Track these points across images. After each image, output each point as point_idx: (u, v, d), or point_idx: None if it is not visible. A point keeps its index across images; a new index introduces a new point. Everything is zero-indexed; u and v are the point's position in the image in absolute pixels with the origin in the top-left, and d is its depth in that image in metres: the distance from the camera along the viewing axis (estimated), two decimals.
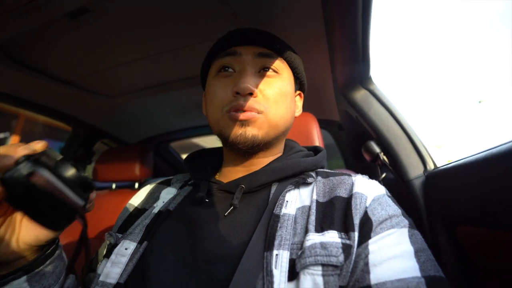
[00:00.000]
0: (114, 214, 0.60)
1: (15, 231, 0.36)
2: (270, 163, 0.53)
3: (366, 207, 0.41)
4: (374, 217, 0.39)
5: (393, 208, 0.41)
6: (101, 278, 0.42)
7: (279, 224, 0.41)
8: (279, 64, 0.53)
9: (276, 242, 0.39)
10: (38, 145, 0.36)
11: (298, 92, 0.60)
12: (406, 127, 0.79)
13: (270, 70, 0.52)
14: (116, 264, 0.43)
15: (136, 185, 1.32)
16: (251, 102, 0.47)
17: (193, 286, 0.39)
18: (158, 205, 0.53)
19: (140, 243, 0.45)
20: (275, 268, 0.36)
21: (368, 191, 0.43)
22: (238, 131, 0.48)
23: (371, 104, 0.87)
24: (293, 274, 0.36)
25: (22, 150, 0.33)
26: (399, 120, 0.81)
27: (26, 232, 0.36)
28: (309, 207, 0.43)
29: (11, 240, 0.36)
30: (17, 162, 0.30)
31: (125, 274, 0.42)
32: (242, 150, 0.50)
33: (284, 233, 0.39)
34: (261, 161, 0.53)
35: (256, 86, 0.49)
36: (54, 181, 0.32)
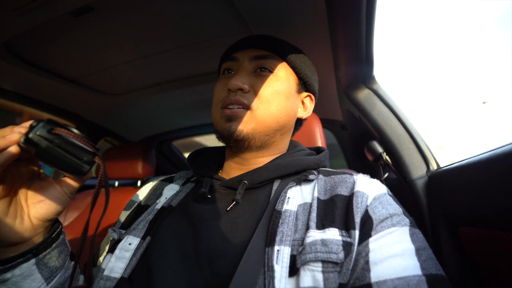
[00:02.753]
0: (117, 211, 0.61)
1: (24, 209, 0.38)
2: (273, 160, 0.54)
3: (367, 206, 0.41)
4: (375, 216, 0.39)
5: (394, 207, 0.42)
6: (105, 273, 0.43)
7: (280, 220, 0.41)
8: (276, 64, 0.55)
9: (278, 238, 0.39)
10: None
11: (306, 94, 0.61)
12: (409, 127, 0.79)
13: (266, 70, 0.54)
14: (120, 259, 0.44)
15: (139, 183, 1.33)
16: (239, 97, 0.51)
17: (196, 281, 0.39)
18: (161, 201, 0.53)
19: (143, 238, 0.46)
20: (276, 263, 0.37)
21: (369, 189, 0.43)
22: (224, 125, 0.51)
23: (374, 104, 0.86)
24: (293, 270, 0.37)
25: (26, 124, 0.36)
26: (402, 120, 0.81)
27: (35, 208, 0.38)
28: (311, 204, 0.43)
29: (23, 218, 0.37)
30: (31, 126, 0.34)
31: (129, 269, 0.43)
32: (230, 146, 0.53)
33: (286, 229, 0.40)
34: (260, 161, 0.54)
35: (248, 84, 0.52)
36: (71, 131, 0.36)
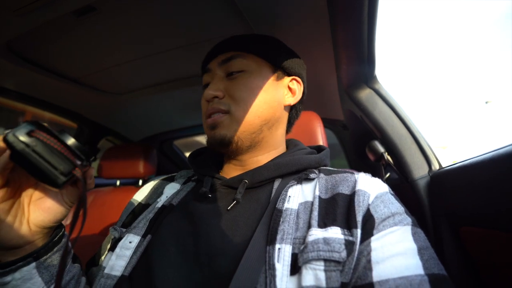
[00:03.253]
0: (118, 210, 0.61)
1: (25, 214, 0.37)
2: (274, 159, 0.54)
3: (369, 204, 0.41)
4: (377, 215, 0.39)
5: (396, 206, 0.41)
6: (106, 271, 0.44)
7: (281, 219, 0.41)
8: (243, 62, 0.55)
9: (279, 236, 0.39)
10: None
11: (289, 78, 0.58)
12: (411, 127, 0.79)
13: (235, 73, 0.54)
14: (120, 257, 0.44)
15: (140, 182, 1.34)
16: (215, 105, 0.52)
17: (196, 279, 0.40)
18: (162, 200, 0.54)
19: (144, 236, 0.47)
20: (278, 262, 0.37)
21: (371, 188, 0.43)
22: (209, 134, 0.53)
23: (376, 104, 0.86)
24: (295, 268, 0.36)
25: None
26: (404, 120, 0.81)
27: (35, 214, 0.37)
28: (312, 203, 0.43)
29: (22, 222, 0.37)
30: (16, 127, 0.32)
31: (130, 267, 0.43)
32: (221, 151, 0.55)
33: (287, 228, 0.40)
34: (256, 160, 0.55)
35: (221, 89, 0.53)
36: (52, 137, 0.33)
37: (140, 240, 0.46)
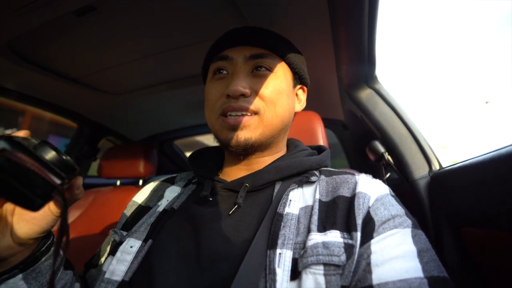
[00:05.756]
0: (119, 210, 0.61)
1: (7, 226, 0.35)
2: (274, 161, 0.53)
3: (369, 207, 0.40)
4: (377, 217, 0.39)
5: (396, 208, 0.41)
6: (106, 275, 0.43)
7: (282, 223, 0.41)
8: (272, 62, 0.52)
9: (280, 241, 0.39)
10: (19, 133, 0.33)
11: (299, 86, 0.59)
12: (412, 127, 0.79)
13: (263, 69, 0.51)
14: (121, 261, 0.44)
15: (140, 182, 1.33)
16: (243, 103, 0.48)
17: (198, 284, 0.39)
18: (163, 204, 0.53)
19: (145, 241, 0.46)
20: (278, 267, 0.36)
21: (371, 190, 0.43)
22: (229, 135, 0.48)
23: (376, 104, 0.86)
24: (295, 273, 0.36)
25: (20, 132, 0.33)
26: (404, 119, 0.81)
27: (19, 225, 0.35)
28: (312, 207, 0.43)
29: (4, 235, 0.35)
30: None
31: (130, 272, 0.43)
32: (236, 153, 0.51)
33: (288, 233, 0.40)
34: (262, 161, 0.54)
35: (249, 87, 0.49)
36: (27, 156, 0.29)
37: (141, 244, 0.46)
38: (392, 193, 0.45)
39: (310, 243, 0.37)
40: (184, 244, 0.44)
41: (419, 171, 0.72)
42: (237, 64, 0.51)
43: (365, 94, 0.89)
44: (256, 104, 0.49)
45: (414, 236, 0.38)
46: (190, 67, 0.96)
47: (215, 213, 0.47)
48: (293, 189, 0.46)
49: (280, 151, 0.56)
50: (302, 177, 0.49)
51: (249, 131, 0.48)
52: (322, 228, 0.39)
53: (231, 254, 0.40)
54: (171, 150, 1.87)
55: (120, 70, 0.97)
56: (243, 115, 0.48)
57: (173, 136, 1.75)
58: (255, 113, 0.48)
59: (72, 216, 1.20)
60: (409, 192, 0.73)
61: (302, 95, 0.60)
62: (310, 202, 0.44)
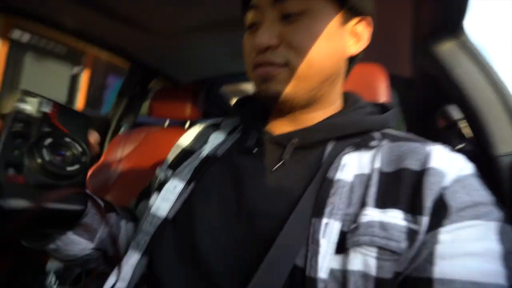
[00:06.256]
0: (166, 149, 0.62)
1: None
2: (328, 118, 0.47)
3: (445, 188, 0.33)
4: (453, 202, 0.32)
5: (481, 194, 0.33)
6: (152, 210, 0.46)
7: (332, 190, 0.36)
8: (304, 3, 0.42)
9: (327, 210, 0.35)
10: None
11: (356, 20, 0.46)
12: (505, 93, 0.64)
13: (293, 12, 0.42)
14: (165, 200, 0.46)
15: (187, 124, 1.37)
16: (269, 56, 0.42)
17: (235, 235, 0.39)
18: (206, 149, 0.52)
19: (188, 183, 0.47)
20: (323, 237, 0.33)
21: (449, 167, 0.35)
22: (260, 88, 0.45)
23: (461, 60, 0.71)
24: (341, 248, 0.33)
25: None
26: (496, 83, 0.66)
27: None
28: (370, 176, 0.37)
29: None
30: None
31: (173, 211, 0.44)
32: (272, 107, 0.48)
33: (337, 201, 0.35)
34: (311, 117, 0.47)
35: (276, 36, 0.42)
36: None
37: (184, 186, 0.47)
38: (478, 174, 0.37)
39: (364, 219, 0.33)
40: (225, 194, 0.43)
41: (506, 145, 0.60)
42: (264, 11, 0.44)
43: (447, 48, 0.73)
44: (284, 55, 0.42)
45: (501, 233, 0.30)
46: None
47: (258, 166, 0.44)
48: (348, 152, 0.40)
49: (332, 105, 0.49)
50: (360, 139, 0.42)
51: (278, 83, 0.43)
52: (381, 204, 0.34)
53: (272, 213, 0.38)
54: (218, 95, 1.86)
55: (173, 9, 0.92)
56: (271, 66, 0.43)
57: (221, 82, 1.73)
58: (285, 64, 0.42)
59: (126, 150, 1.29)
60: (486, 169, 0.62)
61: (364, 30, 0.47)
62: (367, 170, 0.38)
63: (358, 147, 0.41)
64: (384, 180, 0.36)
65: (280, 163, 0.43)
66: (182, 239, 0.43)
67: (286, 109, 0.47)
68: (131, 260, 0.44)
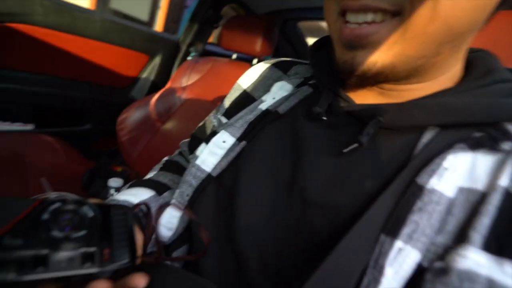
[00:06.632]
0: (229, 84, 0.56)
1: None
2: (436, 93, 0.32)
3: None
4: None
5: None
6: (197, 162, 0.41)
7: (419, 203, 0.26)
8: None
9: (406, 230, 0.25)
10: None
11: None
12: None
13: None
14: (212, 154, 0.40)
15: (255, 61, 1.27)
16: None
17: (279, 220, 0.33)
18: (267, 101, 0.43)
19: (239, 140, 0.40)
20: (390, 265, 0.24)
21: None
22: (344, 56, 0.31)
23: None
24: (413, 286, 0.24)
25: None
26: None
27: None
28: (485, 196, 0.25)
29: None
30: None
31: (219, 168, 0.39)
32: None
33: (424, 222, 0.25)
34: (411, 88, 0.32)
35: None
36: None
37: (234, 142, 0.40)
38: None
39: (461, 263, 0.22)
40: (278, 164, 0.36)
41: None
42: None
43: None
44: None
45: None
46: None
47: (326, 141, 0.34)
48: (456, 151, 0.27)
49: (447, 73, 0.32)
50: (482, 133, 0.28)
51: (376, 50, 0.28)
52: (496, 248, 0.23)
53: (329, 209, 0.30)
54: (293, 32, 1.68)
55: None
56: (368, 23, 0.28)
57: (298, 16, 1.53)
58: (395, 14, 0.27)
59: (192, 79, 1.28)
60: None
61: None
62: (482, 186, 0.26)
63: (476, 146, 0.27)
64: (510, 209, 0.24)
65: (355, 145, 0.31)
66: (223, 203, 0.38)
67: (375, 80, 0.32)
68: (176, 211, 0.41)
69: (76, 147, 1.25)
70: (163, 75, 1.53)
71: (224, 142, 0.40)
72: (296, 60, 0.51)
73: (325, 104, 0.36)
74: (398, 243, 0.25)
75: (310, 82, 0.43)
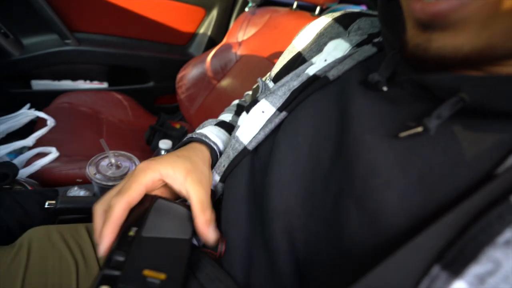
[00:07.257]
0: (289, 37, 0.50)
1: None
2: None
3: None
4: None
5: None
6: (237, 133, 0.38)
7: (509, 233, 0.18)
8: None
9: (477, 269, 0.18)
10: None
11: None
12: None
13: None
14: (250, 124, 0.37)
15: (317, 10, 1.13)
16: None
17: (316, 207, 0.28)
18: (317, 64, 0.36)
19: (279, 110, 0.35)
20: None
21: None
22: (415, 38, 0.24)
23: None
24: None
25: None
26: None
27: None
28: None
29: None
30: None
31: (255, 142, 0.35)
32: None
33: (510, 264, 0.17)
34: (501, 68, 0.23)
35: None
36: None
37: (273, 113, 0.35)
38: None
39: None
40: (321, 140, 0.29)
41: None
42: None
43: None
44: None
45: None
46: None
47: (380, 120, 0.26)
48: None
49: None
50: None
51: (460, 31, 0.21)
52: None
53: (373, 211, 0.23)
54: None
55: None
56: None
57: None
58: None
59: (248, 33, 1.21)
60: None
61: None
62: None
63: None
64: None
65: (418, 129, 0.23)
66: (255, 180, 0.34)
67: (461, 65, 0.24)
68: (213, 179, 0.38)
69: (141, 104, 1.33)
70: (220, 29, 1.49)
71: (263, 112, 0.36)
72: (364, 11, 0.41)
73: (387, 71, 0.27)
74: (458, 283, 0.18)
75: (376, 40, 0.34)
